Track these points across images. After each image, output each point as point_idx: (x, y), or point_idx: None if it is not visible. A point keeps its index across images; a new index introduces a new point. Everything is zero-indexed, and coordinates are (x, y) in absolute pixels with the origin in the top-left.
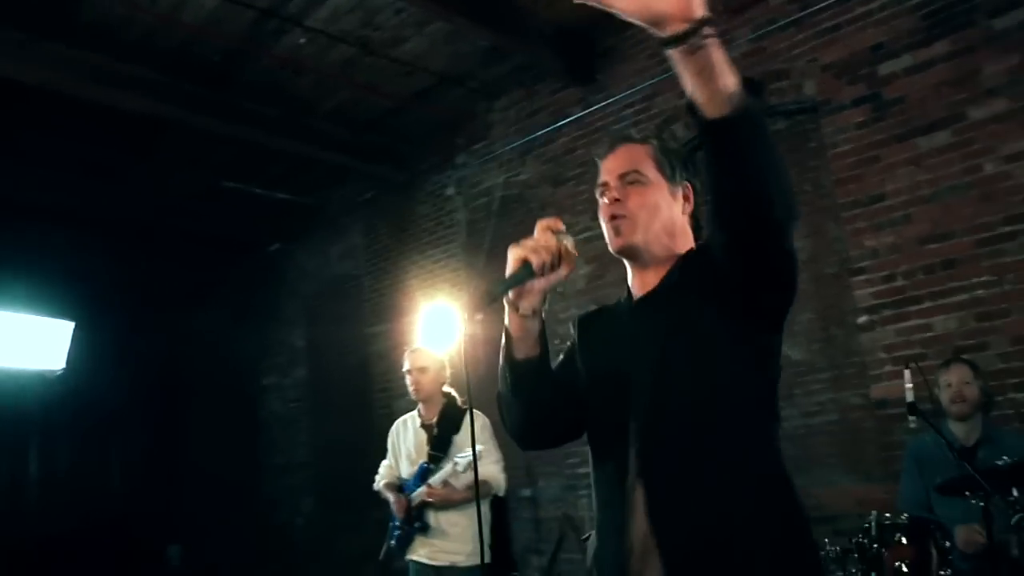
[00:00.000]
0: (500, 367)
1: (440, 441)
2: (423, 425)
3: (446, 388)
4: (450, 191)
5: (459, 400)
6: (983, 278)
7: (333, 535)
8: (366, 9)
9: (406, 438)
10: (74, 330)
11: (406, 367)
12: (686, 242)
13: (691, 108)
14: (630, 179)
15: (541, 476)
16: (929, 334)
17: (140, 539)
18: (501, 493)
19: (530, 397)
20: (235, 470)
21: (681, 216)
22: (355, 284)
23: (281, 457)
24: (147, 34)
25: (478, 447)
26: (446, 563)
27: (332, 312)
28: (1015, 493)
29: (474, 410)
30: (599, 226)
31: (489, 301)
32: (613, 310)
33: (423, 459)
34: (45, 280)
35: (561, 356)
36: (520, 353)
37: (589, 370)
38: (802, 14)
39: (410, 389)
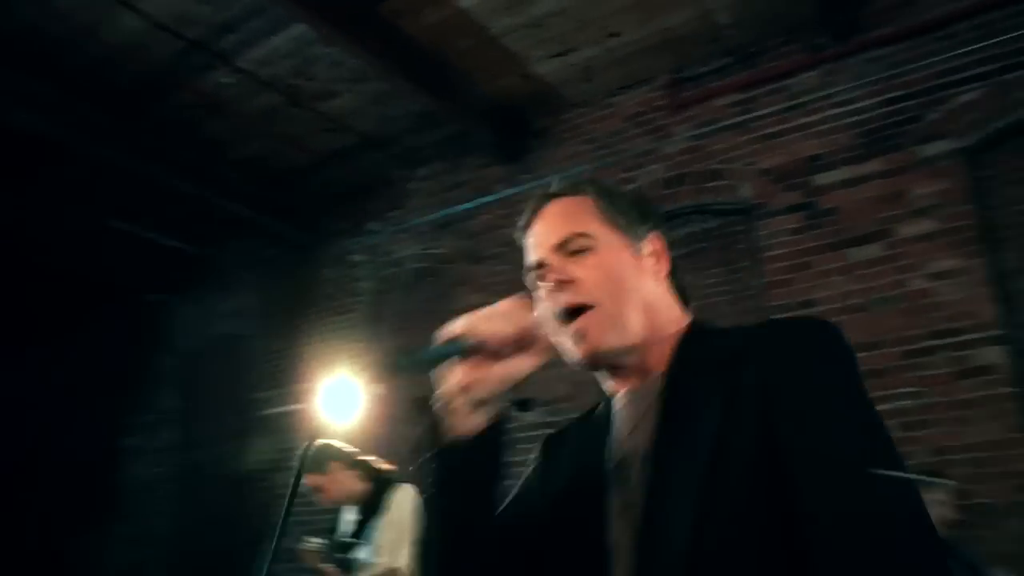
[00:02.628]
0: (425, 523)
1: (360, 525)
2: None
3: (362, 459)
4: (357, 258)
5: (383, 468)
6: (907, 389)
7: None
8: (304, 57)
9: (344, 517)
10: None
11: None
12: (675, 320)
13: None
14: (573, 247)
15: None
16: None
17: None
18: None
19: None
20: (76, 539)
21: (656, 284)
22: (244, 345)
23: (135, 527)
24: (55, 47)
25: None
26: None
27: (213, 373)
28: None
29: (405, 485)
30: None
31: (397, 370)
32: (589, 422)
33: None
34: None
35: (514, 491)
36: (457, 506)
37: (554, 517)
38: (744, 118)
39: None
